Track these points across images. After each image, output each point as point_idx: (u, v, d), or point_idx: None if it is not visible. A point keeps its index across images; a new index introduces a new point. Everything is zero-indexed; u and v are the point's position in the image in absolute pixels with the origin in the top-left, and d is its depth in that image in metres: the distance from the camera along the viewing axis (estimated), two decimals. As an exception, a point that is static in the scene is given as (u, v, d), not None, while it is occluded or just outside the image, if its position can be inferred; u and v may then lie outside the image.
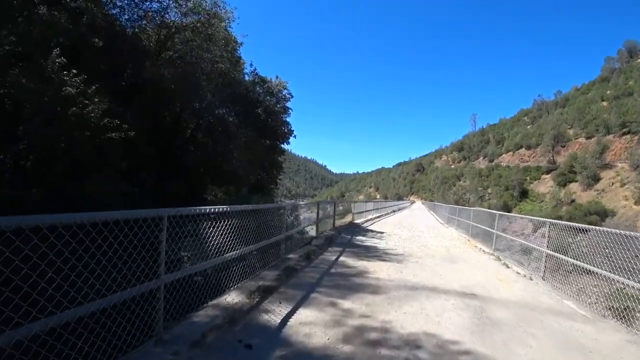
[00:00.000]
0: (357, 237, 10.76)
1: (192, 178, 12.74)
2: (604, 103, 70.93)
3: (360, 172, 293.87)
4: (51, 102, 8.54)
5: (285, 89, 15.10)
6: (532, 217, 7.06)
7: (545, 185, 62.88)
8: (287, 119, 15.87)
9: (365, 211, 18.12)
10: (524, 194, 63.36)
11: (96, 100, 9.12)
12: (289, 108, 15.76)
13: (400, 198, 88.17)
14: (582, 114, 70.32)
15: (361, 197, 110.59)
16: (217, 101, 12.52)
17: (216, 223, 4.00)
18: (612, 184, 51.73)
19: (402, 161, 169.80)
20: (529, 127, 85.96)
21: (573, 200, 53.60)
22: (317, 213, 9.67)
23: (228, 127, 12.55)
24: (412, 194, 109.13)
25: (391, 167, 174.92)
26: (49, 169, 8.49)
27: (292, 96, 15.52)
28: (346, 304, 4.14)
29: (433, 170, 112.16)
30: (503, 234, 8.37)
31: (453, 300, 4.55)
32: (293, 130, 16.53)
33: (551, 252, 5.98)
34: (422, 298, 4.60)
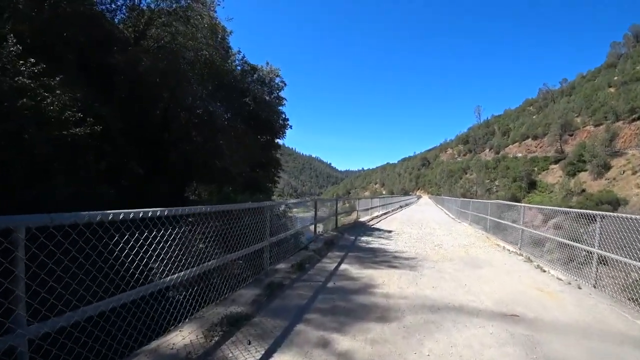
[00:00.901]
0: (362, 238, 9.56)
1: (177, 177, 11.63)
2: (612, 89, 69.29)
3: (365, 168, 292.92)
4: (6, 95, 7.42)
5: (277, 76, 13.87)
6: (571, 209, 5.86)
7: (554, 176, 61.44)
8: (282, 110, 14.74)
9: (371, 208, 16.91)
10: (533, 185, 61.95)
11: (58, 92, 7.98)
12: (282, 98, 14.61)
13: (406, 193, 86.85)
14: (590, 102, 68.74)
15: (367, 193, 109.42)
16: (203, 92, 11.35)
17: (165, 232, 2.84)
18: (624, 172, 50.35)
19: (407, 156, 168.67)
20: (534, 117, 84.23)
21: (583, 190, 52.26)
22: (315, 213, 8.49)
23: (215, 120, 11.37)
24: (418, 188, 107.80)
25: (396, 162, 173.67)
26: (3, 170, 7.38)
27: (285, 84, 14.32)
28: (344, 341, 2.93)
29: (439, 164, 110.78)
30: (532, 230, 7.11)
31: (491, 328, 3.34)
32: (288, 120, 15.38)
33: (605, 253, 4.74)
34: (449, 325, 3.39)
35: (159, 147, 11.52)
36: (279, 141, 17.05)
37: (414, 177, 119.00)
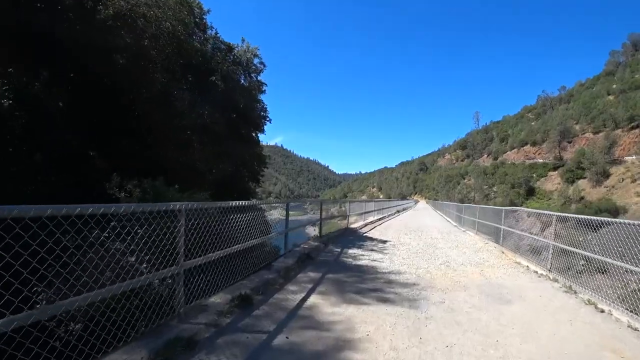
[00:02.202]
0: (350, 251, 7.74)
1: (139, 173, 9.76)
2: (610, 97, 68.78)
3: (363, 172, 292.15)
4: None
5: (255, 56, 11.97)
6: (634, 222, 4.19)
7: (552, 182, 60.50)
8: (261, 98, 12.89)
9: (365, 213, 15.10)
10: (531, 192, 60.94)
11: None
12: (262, 82, 12.75)
13: (404, 197, 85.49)
14: (588, 109, 68.13)
15: (364, 197, 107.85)
16: (163, 71, 9.51)
17: None
18: (623, 179, 49.51)
19: (405, 160, 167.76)
20: (533, 123, 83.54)
21: (582, 198, 51.36)
22: (286, 219, 6.65)
23: (180, 106, 9.53)
24: (416, 193, 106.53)
25: (394, 166, 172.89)
26: None
27: (264, 66, 12.42)
28: None
29: (436, 169, 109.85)
30: (574, 249, 5.31)
31: None
32: (267, 109, 13.48)
33: None
34: None
35: (118, 137, 9.65)
36: (265, 139, 15.25)
37: (411, 182, 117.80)
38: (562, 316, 3.85)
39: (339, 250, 7.83)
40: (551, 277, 5.57)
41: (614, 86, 71.15)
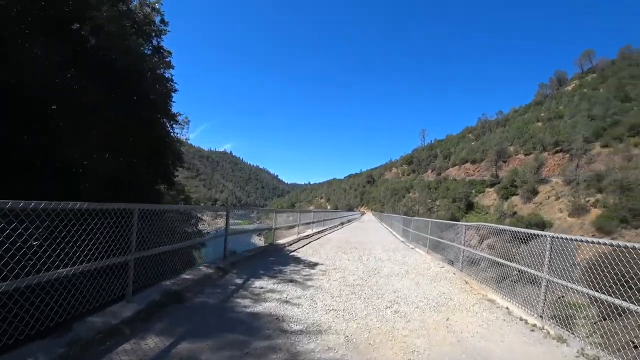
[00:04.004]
0: (257, 283, 5.23)
1: None
2: (539, 124, 75.27)
3: (312, 182, 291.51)
4: None
5: (156, 12, 8.95)
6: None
7: (489, 198, 63.70)
8: (166, 74, 9.91)
9: (300, 225, 12.66)
10: (470, 206, 63.62)
11: None
12: (166, 51, 9.75)
13: (350, 209, 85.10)
14: (521, 133, 73.75)
15: (312, 207, 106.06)
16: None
17: None
18: (548, 197, 53.22)
19: (353, 173, 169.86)
20: (473, 143, 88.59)
21: (515, 212, 54.33)
22: (133, 240, 3.91)
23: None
24: (363, 205, 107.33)
25: (343, 178, 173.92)
26: None
27: (167, 27, 9.50)
28: None
29: (383, 182, 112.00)
30: (591, 292, 3.35)
31: None
32: (175, 88, 10.52)
33: None
34: None
35: None
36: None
37: (359, 194, 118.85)
38: None
39: (240, 281, 5.28)
40: (551, 333, 3.57)
41: (542, 114, 78.24)
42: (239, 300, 4.38)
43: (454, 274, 6.58)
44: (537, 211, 51.35)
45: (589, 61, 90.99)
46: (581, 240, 3.67)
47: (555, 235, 3.93)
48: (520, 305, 4.39)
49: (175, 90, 10.89)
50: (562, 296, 4.46)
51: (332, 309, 4.14)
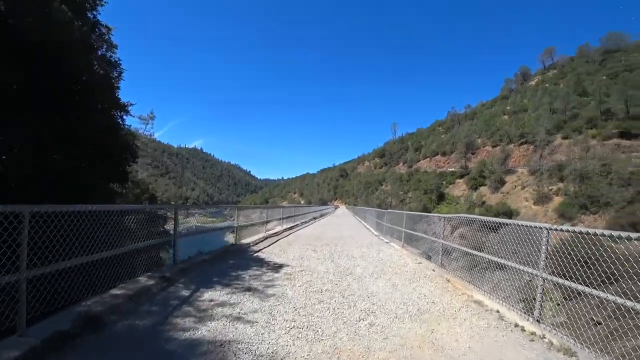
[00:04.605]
0: (206, 295, 4.35)
1: None
2: (505, 117, 77.94)
3: (285, 178, 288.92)
4: None
5: None
6: None
7: (459, 189, 65.35)
8: (113, 58, 8.59)
9: (266, 222, 11.75)
10: (441, 197, 65.05)
11: None
12: (104, 27, 8.42)
13: (324, 203, 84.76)
14: (488, 126, 76.08)
15: (285, 202, 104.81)
16: None
17: None
18: (515, 187, 55.26)
19: (326, 167, 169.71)
20: (443, 136, 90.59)
21: (484, 202, 56.01)
22: (23, 256, 2.93)
23: None
24: (336, 199, 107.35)
25: (316, 173, 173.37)
26: None
27: (106, 1, 8.18)
28: None
29: (356, 176, 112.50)
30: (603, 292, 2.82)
31: None
32: (123, 71, 9.26)
33: None
34: None
35: None
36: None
37: (332, 188, 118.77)
38: None
39: (186, 293, 4.38)
40: (555, 343, 2.97)
41: (508, 108, 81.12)
42: (178, 320, 3.49)
43: (434, 270, 5.99)
44: (504, 200, 53.13)
45: (551, 58, 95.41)
46: (580, 232, 3.10)
47: (552, 226, 3.35)
48: (511, 308, 3.81)
49: (121, 72, 9.57)
50: (530, 280, 4.25)
51: (294, 326, 3.35)
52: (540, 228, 3.40)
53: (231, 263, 6.48)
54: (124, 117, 12.38)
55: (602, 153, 43.26)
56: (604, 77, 64.73)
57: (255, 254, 7.56)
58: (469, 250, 4.98)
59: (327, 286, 4.85)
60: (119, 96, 11.79)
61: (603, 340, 3.16)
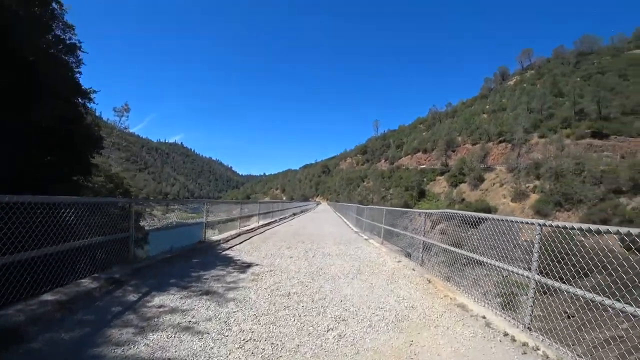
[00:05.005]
0: (155, 300, 3.76)
1: None
2: (485, 115, 79.48)
3: (267, 173, 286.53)
4: None
5: None
6: None
7: (440, 186, 66.16)
8: (71, 40, 7.68)
9: (241, 217, 11.13)
10: (422, 194, 65.61)
11: None
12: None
13: (306, 199, 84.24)
14: (468, 124, 77.36)
15: (267, 198, 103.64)
16: None
17: None
18: (493, 184, 56.42)
19: (308, 163, 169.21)
20: (424, 133, 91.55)
21: (463, 199, 56.91)
22: None
23: None
24: (318, 195, 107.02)
25: (298, 169, 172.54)
26: None
27: None
28: None
29: (338, 172, 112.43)
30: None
31: None
32: (82, 54, 8.46)
33: None
34: None
35: None
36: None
37: (314, 184, 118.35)
38: None
39: (134, 298, 3.78)
40: (550, 356, 2.59)
41: (487, 107, 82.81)
42: (114, 332, 2.91)
43: (414, 269, 5.60)
44: (483, 197, 54.17)
45: (528, 59, 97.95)
46: (581, 229, 2.75)
47: (547, 222, 2.97)
48: (499, 313, 3.43)
49: (80, 57, 8.67)
50: (507, 276, 4.08)
51: (251, 339, 2.84)
52: (532, 224, 3.01)
53: (195, 262, 5.88)
54: (87, 105, 11.47)
55: (575, 152, 44.70)
56: (578, 79, 66.93)
57: (224, 252, 6.97)
58: (452, 249, 4.59)
59: (297, 288, 4.35)
60: (80, 82, 10.87)
61: (576, 332, 3.00)
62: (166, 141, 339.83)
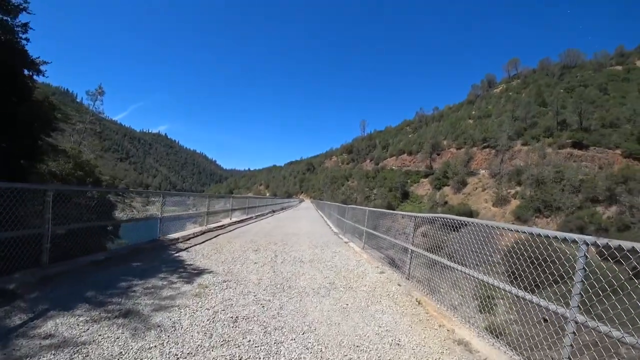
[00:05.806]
0: (47, 326, 2.69)
1: None
2: (470, 121, 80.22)
3: (252, 169, 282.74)
4: None
5: None
6: None
7: (423, 188, 66.27)
8: None
9: (208, 213, 9.99)
10: (406, 195, 65.61)
11: None
12: None
13: (289, 196, 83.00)
14: (454, 128, 77.92)
15: (250, 193, 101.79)
16: None
17: None
18: (476, 188, 56.83)
19: (293, 160, 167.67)
20: (410, 135, 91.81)
21: (446, 202, 57.12)
22: None
23: None
24: (302, 192, 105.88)
25: (283, 165, 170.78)
26: None
27: None
28: None
29: (323, 170, 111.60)
30: None
31: None
32: (26, 10, 7.23)
33: None
34: None
35: None
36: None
37: (298, 181, 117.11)
38: None
39: (18, 321, 2.69)
40: None
41: (473, 112, 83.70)
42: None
43: (399, 285, 4.67)
44: (465, 201, 54.48)
45: (515, 68, 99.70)
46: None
47: (596, 240, 2.11)
48: (511, 350, 2.54)
49: (26, 14, 7.35)
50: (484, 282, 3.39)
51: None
52: (575, 241, 2.12)
53: (135, 266, 4.79)
54: (36, 79, 10.06)
55: (556, 161, 45.38)
56: (562, 90, 68.27)
57: (177, 254, 5.88)
58: (455, 265, 3.67)
59: (249, 310, 3.34)
60: (27, 51, 9.46)
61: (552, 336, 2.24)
62: (150, 131, 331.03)
